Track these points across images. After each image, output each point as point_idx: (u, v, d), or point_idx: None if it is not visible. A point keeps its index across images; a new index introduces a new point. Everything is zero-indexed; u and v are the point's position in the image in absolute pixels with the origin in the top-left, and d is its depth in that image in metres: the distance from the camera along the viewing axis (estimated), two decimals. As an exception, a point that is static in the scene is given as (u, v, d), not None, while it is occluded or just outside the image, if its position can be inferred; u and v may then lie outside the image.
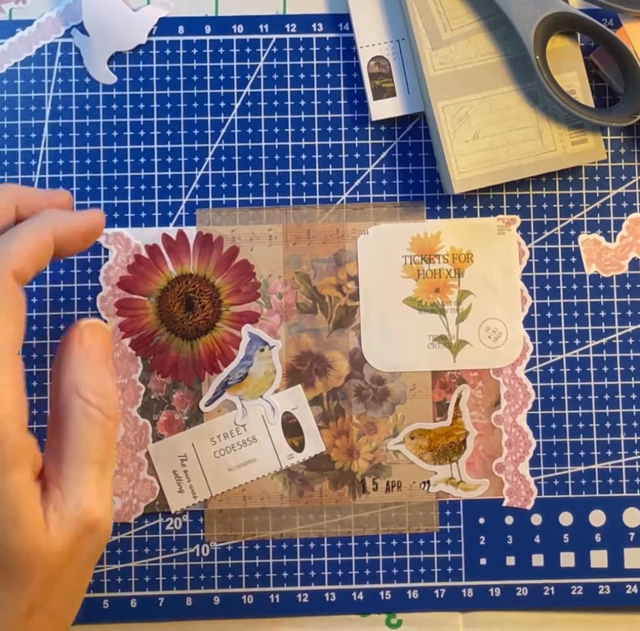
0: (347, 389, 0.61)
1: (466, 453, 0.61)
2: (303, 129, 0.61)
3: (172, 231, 0.60)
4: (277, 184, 0.61)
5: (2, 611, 0.41)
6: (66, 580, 0.43)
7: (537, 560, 0.61)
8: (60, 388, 0.45)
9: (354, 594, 0.60)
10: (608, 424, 0.61)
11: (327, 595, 0.60)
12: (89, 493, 0.43)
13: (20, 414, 0.41)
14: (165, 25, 0.61)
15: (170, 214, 0.61)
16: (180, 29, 0.61)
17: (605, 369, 0.61)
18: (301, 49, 0.61)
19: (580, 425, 0.61)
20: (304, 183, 0.61)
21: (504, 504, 0.61)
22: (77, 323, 0.47)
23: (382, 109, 0.61)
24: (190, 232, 0.60)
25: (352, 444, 0.60)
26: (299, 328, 0.61)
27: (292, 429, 0.60)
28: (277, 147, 0.61)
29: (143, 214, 0.61)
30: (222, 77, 0.61)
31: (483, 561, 0.61)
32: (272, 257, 0.61)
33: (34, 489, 0.42)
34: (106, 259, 0.60)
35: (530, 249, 0.61)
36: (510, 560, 0.61)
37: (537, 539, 0.61)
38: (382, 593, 0.60)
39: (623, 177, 0.62)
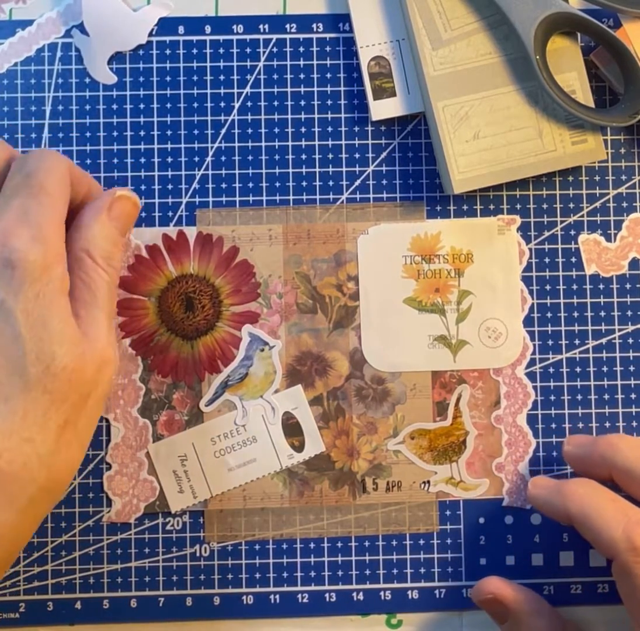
0: (347, 389, 0.61)
1: (466, 452, 0.61)
2: (303, 129, 0.61)
3: (172, 231, 0.60)
4: (277, 184, 0.61)
5: (47, 421, 0.47)
6: (90, 406, 0.50)
7: (537, 559, 0.61)
8: (73, 243, 0.52)
9: (354, 594, 0.60)
10: (608, 424, 0.61)
11: (327, 595, 0.60)
12: (102, 334, 0.51)
13: (63, 254, 0.50)
14: (165, 25, 0.61)
15: (170, 214, 0.61)
16: (181, 29, 0.61)
17: (605, 369, 0.61)
18: (301, 49, 0.61)
19: (580, 425, 0.61)
20: (304, 183, 0.61)
21: (504, 504, 0.61)
22: (113, 190, 0.55)
23: (382, 109, 0.61)
24: (191, 232, 0.60)
25: (352, 444, 0.60)
26: (299, 328, 0.61)
27: (292, 429, 0.60)
28: (277, 147, 0.61)
29: (143, 214, 0.60)
30: (222, 77, 0.61)
31: (483, 561, 0.61)
32: (272, 258, 0.60)
33: (73, 317, 0.49)
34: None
35: (530, 249, 0.61)
36: (510, 560, 0.61)
37: (536, 538, 0.61)
38: (382, 593, 0.60)
39: (623, 177, 0.62)
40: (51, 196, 0.50)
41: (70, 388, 0.48)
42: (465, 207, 0.62)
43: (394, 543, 0.61)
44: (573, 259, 0.62)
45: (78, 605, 0.60)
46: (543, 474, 0.61)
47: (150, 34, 0.61)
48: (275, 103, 0.61)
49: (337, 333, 0.61)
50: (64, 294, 0.49)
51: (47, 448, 0.47)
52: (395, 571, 0.60)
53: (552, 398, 0.61)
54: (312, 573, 0.60)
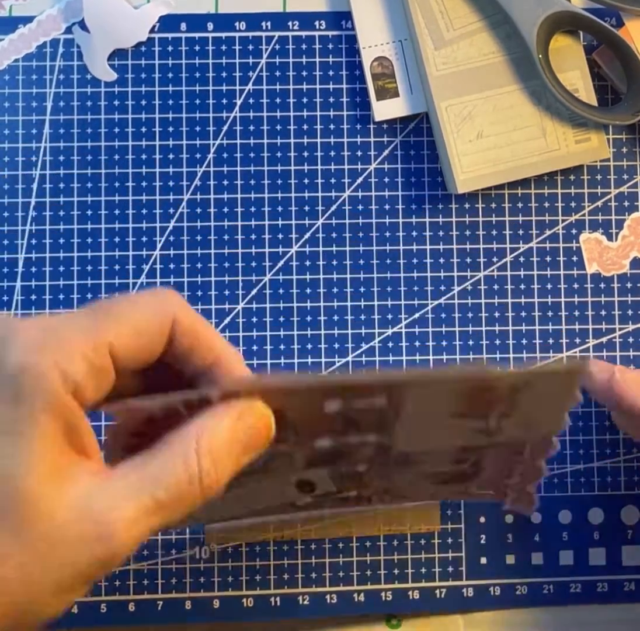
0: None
1: (467, 452, 0.61)
2: (305, 127, 0.61)
3: None
4: (279, 182, 0.61)
5: None
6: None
7: (537, 558, 0.61)
8: (188, 431, 0.39)
9: (355, 595, 0.60)
10: (607, 423, 0.61)
11: (328, 596, 0.60)
12: (122, 509, 0.37)
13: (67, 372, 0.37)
14: (167, 22, 0.61)
15: (171, 211, 0.60)
16: (183, 26, 0.61)
17: (605, 368, 0.62)
18: (303, 46, 0.61)
19: (580, 424, 0.61)
20: (306, 181, 0.61)
21: (505, 508, 0.60)
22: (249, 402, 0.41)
23: (385, 110, 0.60)
24: None
25: (353, 444, 0.60)
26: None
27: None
28: (279, 144, 0.61)
29: (144, 211, 0.60)
30: (224, 75, 0.61)
31: (483, 560, 0.61)
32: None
33: (61, 452, 0.37)
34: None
35: (531, 248, 0.61)
36: (510, 559, 0.61)
37: (536, 537, 0.61)
38: (382, 593, 0.60)
39: (625, 177, 0.62)
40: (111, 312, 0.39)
41: (30, 528, 0.36)
42: (466, 206, 0.62)
43: (395, 543, 0.60)
44: (574, 258, 0.62)
45: (75, 609, 0.59)
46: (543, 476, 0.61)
47: (152, 31, 0.61)
48: (277, 100, 0.61)
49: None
50: (52, 412, 0.36)
51: None
52: (396, 571, 0.60)
53: (553, 397, 0.61)
54: (313, 575, 0.60)
